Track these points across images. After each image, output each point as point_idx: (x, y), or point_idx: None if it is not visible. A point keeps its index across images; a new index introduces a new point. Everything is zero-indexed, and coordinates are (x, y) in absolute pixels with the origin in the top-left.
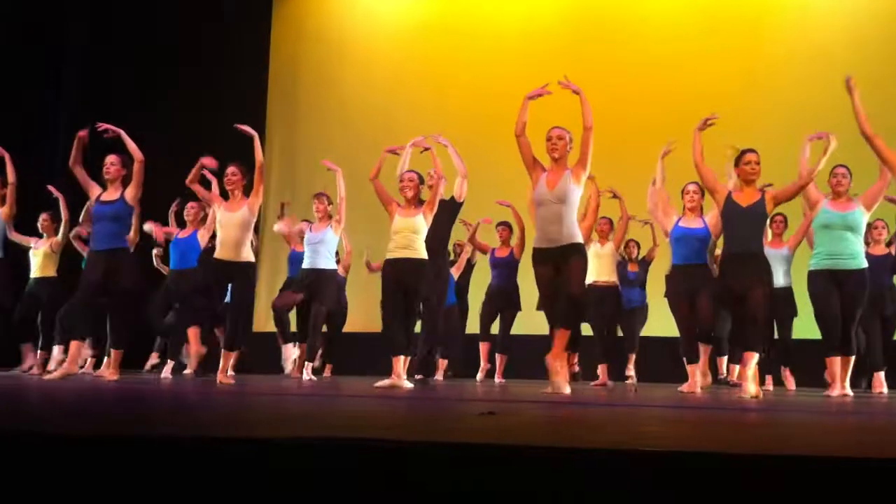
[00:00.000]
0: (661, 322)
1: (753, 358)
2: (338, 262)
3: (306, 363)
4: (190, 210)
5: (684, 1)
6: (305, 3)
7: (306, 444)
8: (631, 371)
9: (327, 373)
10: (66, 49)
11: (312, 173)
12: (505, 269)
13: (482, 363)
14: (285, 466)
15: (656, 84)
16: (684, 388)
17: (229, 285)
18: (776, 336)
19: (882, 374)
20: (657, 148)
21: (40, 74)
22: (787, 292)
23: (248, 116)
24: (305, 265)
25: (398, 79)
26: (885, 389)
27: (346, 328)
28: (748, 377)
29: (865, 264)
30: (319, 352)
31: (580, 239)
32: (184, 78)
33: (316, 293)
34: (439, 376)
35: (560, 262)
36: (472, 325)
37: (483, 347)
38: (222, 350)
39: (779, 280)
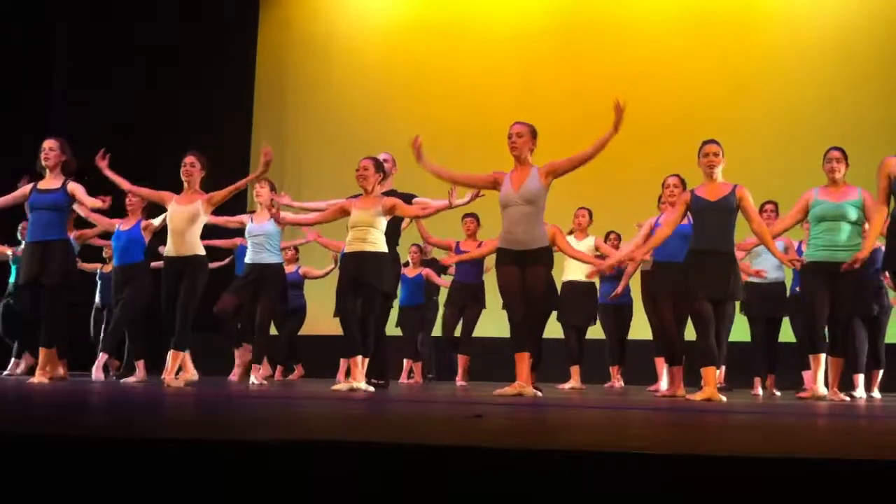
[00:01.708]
0: (645, 323)
1: (714, 374)
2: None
3: (254, 366)
4: (131, 198)
5: (674, 4)
6: (293, 2)
7: (296, 446)
8: (616, 375)
9: (297, 374)
10: (66, 49)
11: (300, 173)
12: (469, 265)
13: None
14: (278, 469)
15: (646, 86)
16: (667, 391)
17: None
18: (764, 336)
19: (861, 377)
20: (648, 148)
21: (40, 74)
22: (781, 287)
23: (234, 115)
24: (248, 260)
25: (386, 78)
26: (861, 393)
27: (320, 330)
28: (710, 389)
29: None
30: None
31: (547, 242)
32: (172, 78)
33: (261, 290)
34: (418, 378)
35: (526, 265)
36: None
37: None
38: (170, 350)
39: (770, 273)
